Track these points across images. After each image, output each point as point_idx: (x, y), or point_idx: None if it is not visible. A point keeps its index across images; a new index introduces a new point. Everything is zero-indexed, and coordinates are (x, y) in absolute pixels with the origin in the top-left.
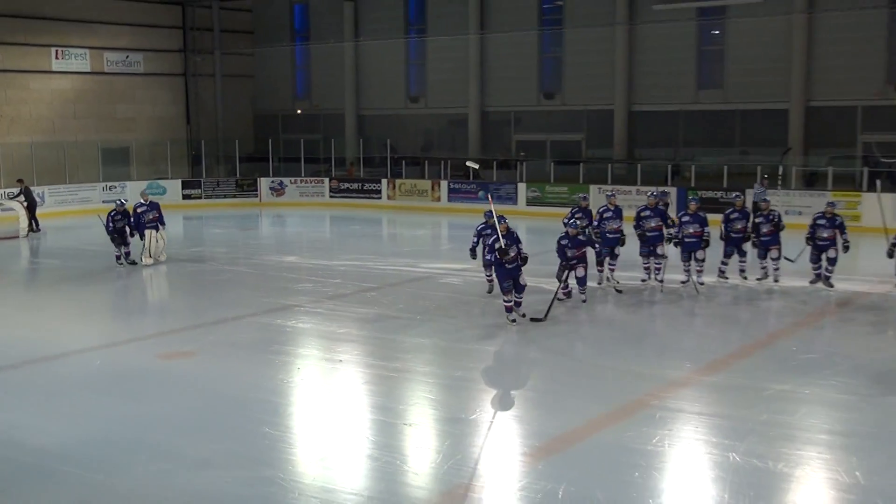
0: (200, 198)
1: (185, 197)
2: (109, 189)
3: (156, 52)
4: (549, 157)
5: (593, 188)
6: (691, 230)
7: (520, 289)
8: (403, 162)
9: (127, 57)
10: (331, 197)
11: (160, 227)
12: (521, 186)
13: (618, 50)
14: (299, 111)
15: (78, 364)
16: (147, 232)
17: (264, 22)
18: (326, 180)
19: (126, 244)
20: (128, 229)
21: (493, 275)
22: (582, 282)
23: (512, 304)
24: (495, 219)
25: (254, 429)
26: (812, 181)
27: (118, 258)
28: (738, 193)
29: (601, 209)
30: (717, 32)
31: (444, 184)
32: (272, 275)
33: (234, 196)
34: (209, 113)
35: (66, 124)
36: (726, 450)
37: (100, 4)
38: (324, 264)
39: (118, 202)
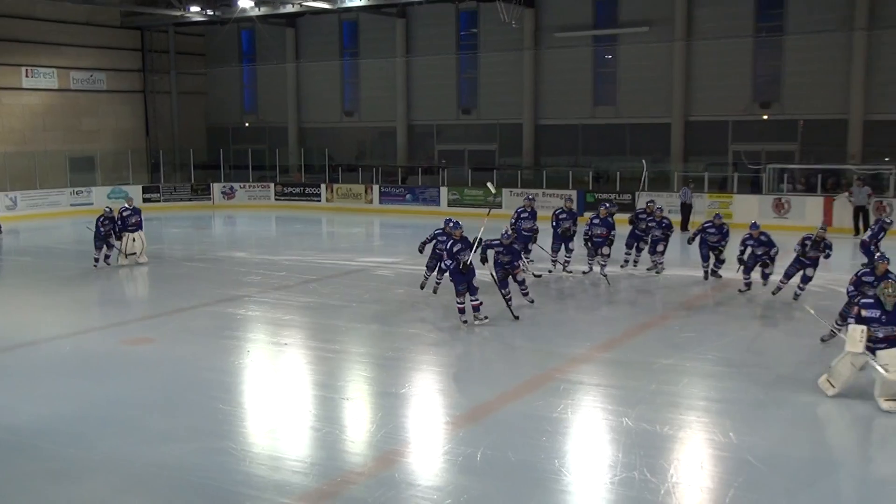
0: (159, 201)
1: (145, 200)
2: (76, 194)
3: (117, 71)
4: (466, 164)
5: (506, 191)
6: (598, 231)
7: (473, 290)
8: (340, 169)
9: (91, 76)
10: (276, 200)
11: (139, 230)
12: (444, 190)
13: (525, 72)
14: (247, 124)
15: (49, 350)
16: (125, 234)
17: (215, 45)
18: (272, 185)
19: (109, 247)
20: (113, 234)
21: (435, 275)
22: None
23: (464, 305)
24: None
25: (209, 405)
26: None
27: (96, 261)
28: (651, 200)
29: (518, 209)
30: (609, 57)
31: (375, 188)
32: (224, 269)
33: (190, 199)
34: (166, 126)
35: (36, 136)
36: (620, 416)
37: (67, 28)
38: (270, 259)
39: (106, 209)
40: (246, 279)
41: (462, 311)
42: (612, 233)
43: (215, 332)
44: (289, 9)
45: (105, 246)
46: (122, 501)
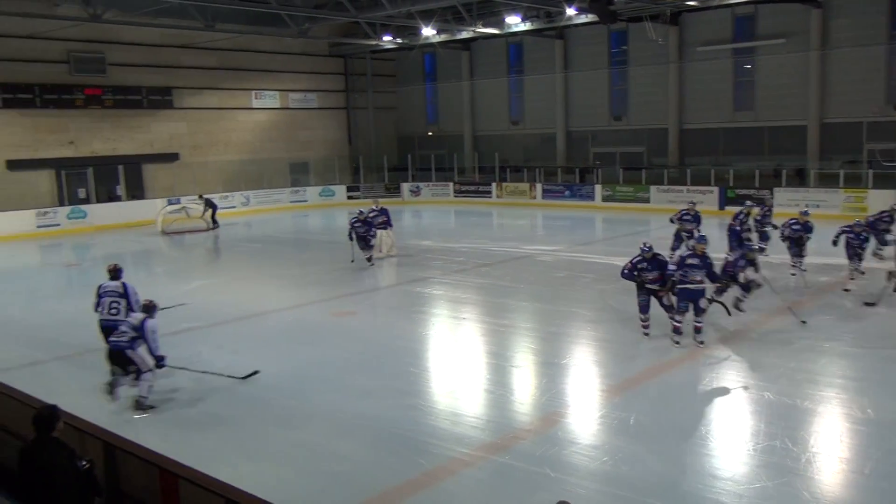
0: (360, 198)
1: (348, 197)
2: (294, 192)
3: (326, 91)
4: (618, 164)
5: (653, 188)
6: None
7: (699, 311)
8: (508, 169)
9: (305, 96)
10: (454, 196)
11: (388, 227)
12: (598, 187)
13: (670, 82)
14: (430, 133)
15: (275, 319)
16: (378, 232)
17: (404, 67)
18: (451, 184)
19: (368, 247)
20: (368, 235)
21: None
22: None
23: (681, 325)
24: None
25: (401, 368)
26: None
27: (369, 259)
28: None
29: (682, 211)
30: (748, 67)
31: (538, 186)
32: (412, 254)
33: (384, 196)
34: (365, 136)
35: (263, 146)
36: (762, 390)
37: (286, 59)
38: (450, 247)
39: (358, 212)
40: (431, 263)
41: (677, 330)
42: (808, 235)
43: (406, 307)
44: (464, 35)
45: (364, 246)
46: (334, 444)
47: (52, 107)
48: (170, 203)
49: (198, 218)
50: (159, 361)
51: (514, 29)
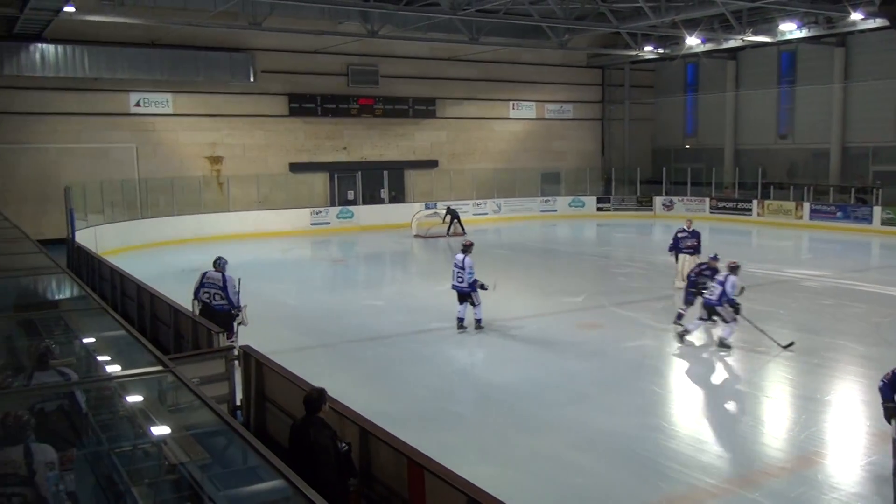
0: (609, 210)
1: (598, 209)
2: (545, 202)
3: (581, 103)
4: None
5: None
6: None
7: None
8: (772, 186)
9: (561, 107)
10: (710, 212)
11: (696, 254)
12: (877, 209)
13: None
14: (687, 146)
15: (521, 326)
16: (681, 256)
17: (664, 78)
18: (707, 199)
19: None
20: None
21: None
22: None
23: None
24: None
25: (646, 387)
26: None
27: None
28: None
29: None
30: None
31: (806, 205)
32: (661, 270)
33: (635, 210)
34: (618, 147)
35: (517, 156)
36: None
37: (544, 70)
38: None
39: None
40: (677, 282)
41: None
42: None
43: (654, 324)
44: (731, 44)
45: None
46: (573, 456)
47: (330, 115)
48: (427, 207)
49: (444, 224)
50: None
51: (789, 36)
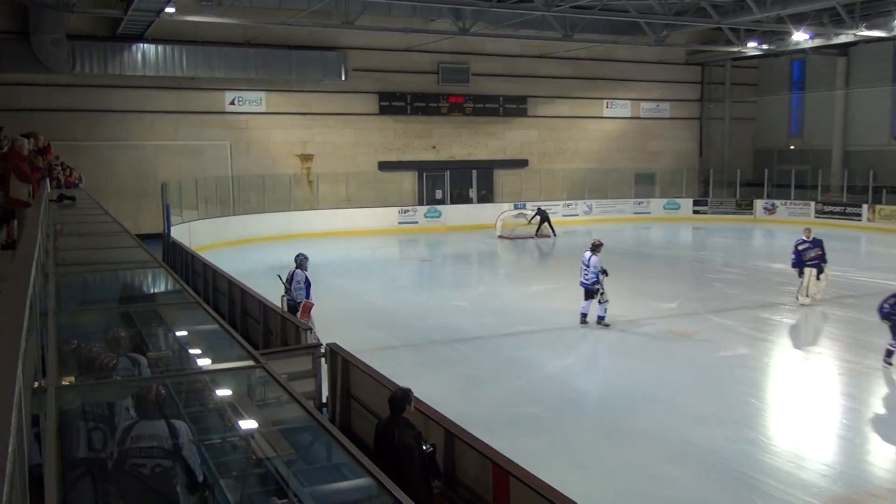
0: (706, 213)
1: (694, 212)
2: (638, 203)
3: (679, 101)
4: None
5: None
6: None
7: None
8: (884, 190)
9: (657, 106)
10: (815, 217)
11: (822, 265)
12: None
13: None
14: (791, 147)
15: (609, 331)
16: (807, 270)
17: (767, 75)
18: (812, 203)
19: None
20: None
21: None
22: None
23: None
24: None
25: (740, 398)
26: None
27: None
28: None
29: None
30: None
31: None
32: (760, 277)
33: (733, 213)
34: (717, 147)
35: (610, 155)
36: None
37: (640, 67)
38: None
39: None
40: (782, 288)
41: None
42: None
43: (750, 333)
44: (842, 39)
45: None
46: (662, 468)
47: (420, 114)
48: (515, 207)
49: (531, 224)
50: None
51: None
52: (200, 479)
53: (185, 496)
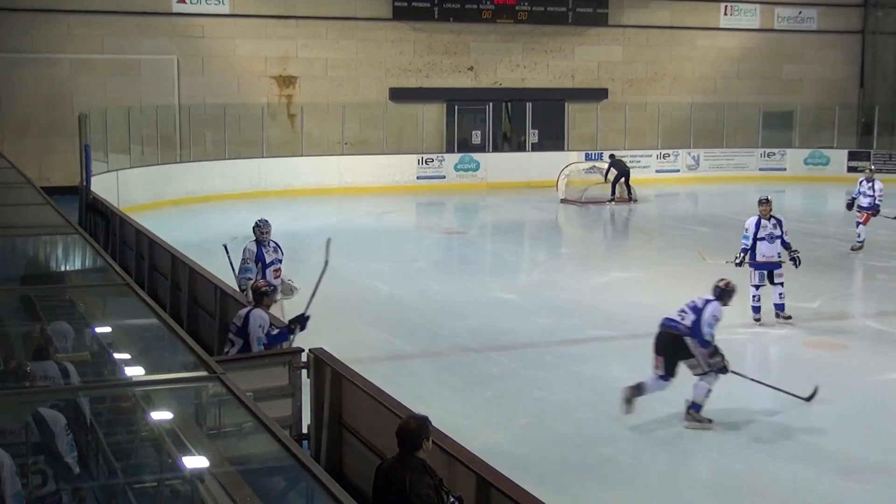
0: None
1: (850, 169)
2: (767, 156)
3: (832, 6)
4: None
5: None
6: None
7: None
8: None
9: (800, 13)
10: None
11: None
12: None
13: None
14: None
15: (726, 341)
16: None
17: None
18: None
19: None
20: None
21: None
22: None
23: None
24: None
25: None
26: None
27: None
28: None
29: None
30: None
31: None
32: None
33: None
34: (888, 75)
35: (729, 85)
36: None
37: None
38: None
39: None
40: None
41: None
42: None
43: None
44: None
45: None
46: None
47: (451, 19)
48: (587, 159)
49: (607, 183)
50: None
51: None
52: None
53: None
